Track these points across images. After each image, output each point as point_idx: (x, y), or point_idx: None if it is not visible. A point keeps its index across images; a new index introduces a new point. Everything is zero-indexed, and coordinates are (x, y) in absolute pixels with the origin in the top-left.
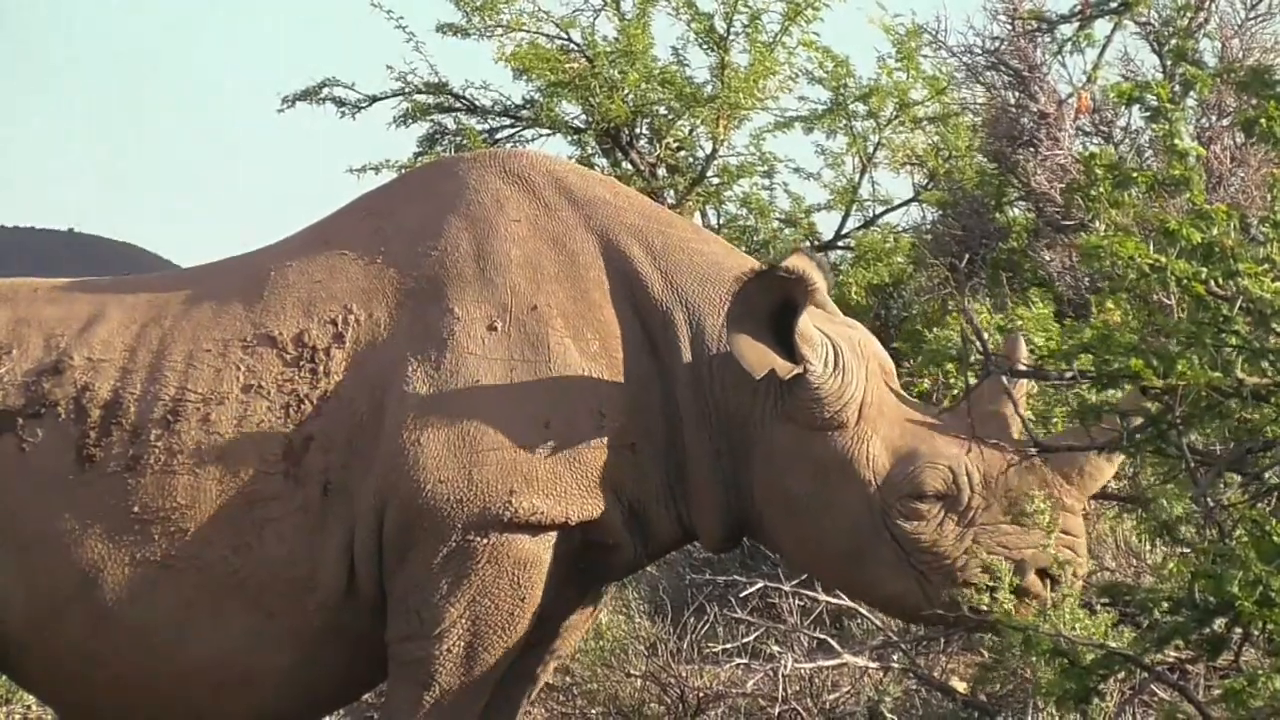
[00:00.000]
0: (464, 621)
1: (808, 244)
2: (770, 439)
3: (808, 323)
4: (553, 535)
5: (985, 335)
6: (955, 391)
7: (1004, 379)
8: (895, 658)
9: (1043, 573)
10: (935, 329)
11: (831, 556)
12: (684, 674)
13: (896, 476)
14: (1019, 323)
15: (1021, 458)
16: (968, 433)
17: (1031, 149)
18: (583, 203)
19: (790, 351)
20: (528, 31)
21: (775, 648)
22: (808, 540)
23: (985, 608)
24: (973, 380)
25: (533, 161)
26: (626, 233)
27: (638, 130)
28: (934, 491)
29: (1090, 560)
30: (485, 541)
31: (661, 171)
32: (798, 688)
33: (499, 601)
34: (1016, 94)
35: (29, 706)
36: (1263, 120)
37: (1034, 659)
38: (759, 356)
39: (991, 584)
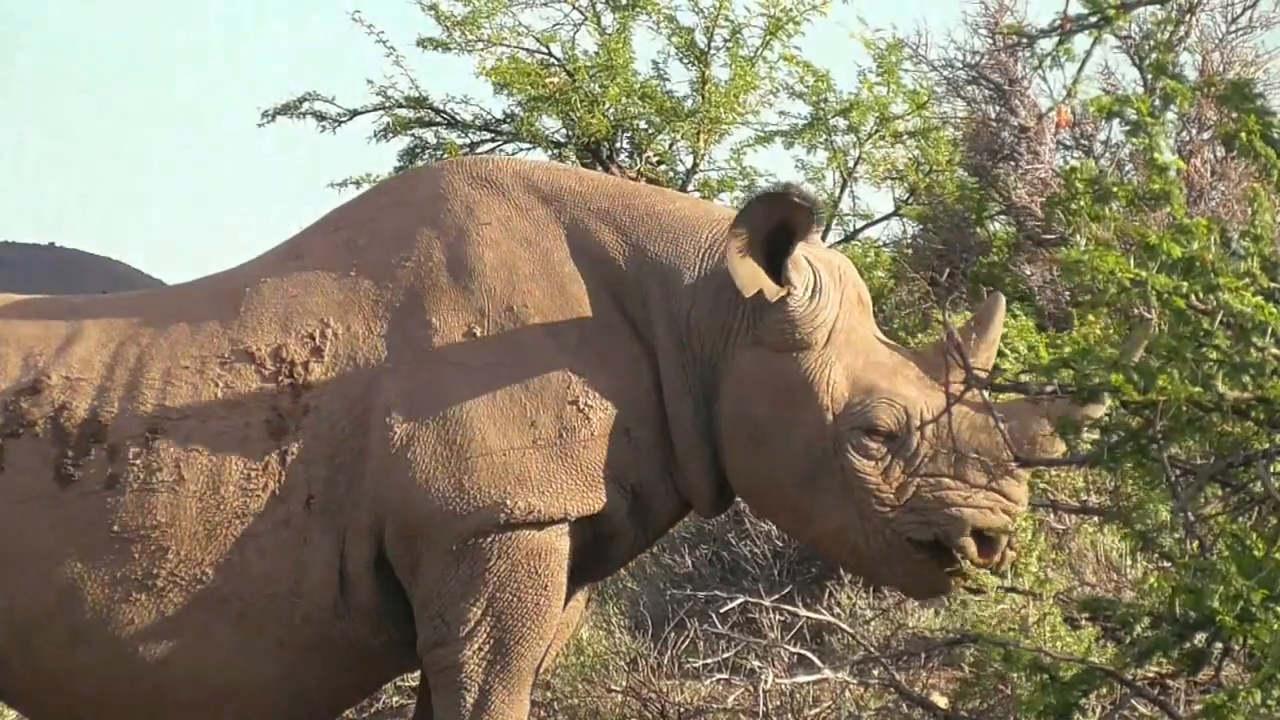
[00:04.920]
0: (488, 619)
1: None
2: (738, 367)
3: (800, 249)
4: (562, 526)
5: (966, 348)
6: None
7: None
8: (875, 673)
9: (978, 535)
10: (920, 335)
11: (784, 482)
12: (665, 689)
13: (853, 407)
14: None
15: (1004, 469)
16: (939, 379)
17: (1012, 163)
18: (551, 197)
19: (778, 276)
20: (508, 46)
21: (756, 663)
22: (765, 467)
23: (920, 563)
24: (955, 391)
25: (499, 164)
26: (595, 219)
27: (618, 144)
28: (885, 429)
29: (1071, 575)
30: (491, 541)
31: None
32: (778, 703)
33: (520, 593)
34: (997, 108)
35: None
36: (1243, 134)
37: (1015, 674)
38: (751, 275)
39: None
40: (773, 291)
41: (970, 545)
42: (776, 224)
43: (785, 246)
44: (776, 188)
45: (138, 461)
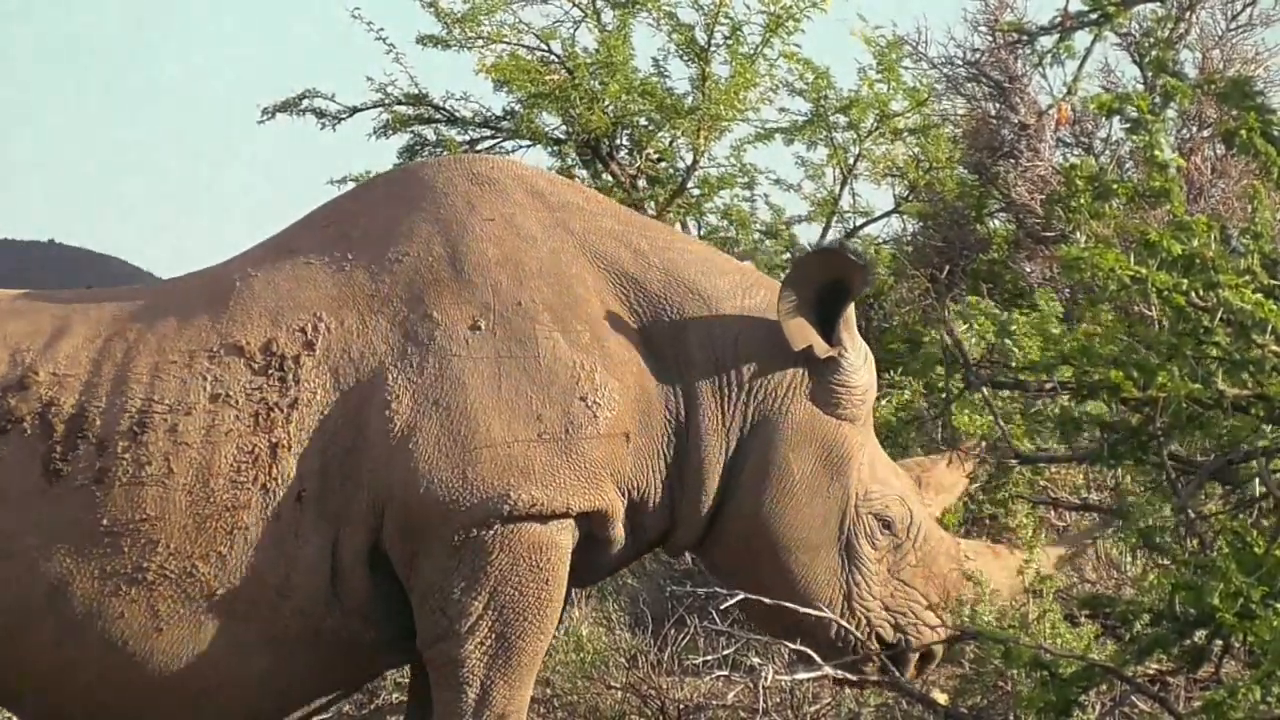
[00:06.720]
0: (490, 613)
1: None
2: (788, 412)
3: (854, 311)
4: (563, 521)
5: (965, 346)
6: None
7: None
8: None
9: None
10: (931, 331)
11: (793, 541)
12: (664, 686)
13: (871, 493)
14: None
15: (1003, 470)
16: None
17: (1012, 160)
18: (556, 206)
19: (829, 333)
20: (508, 43)
21: (755, 660)
22: (778, 517)
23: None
24: (955, 388)
25: (499, 164)
26: (606, 236)
27: (618, 141)
28: (891, 522)
29: (1071, 572)
30: (493, 533)
31: (642, 183)
32: (778, 699)
33: (522, 587)
34: (997, 105)
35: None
36: (1243, 131)
37: (1015, 671)
38: (800, 330)
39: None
40: (822, 349)
41: (914, 659)
42: (831, 280)
43: (838, 304)
44: (833, 244)
45: (126, 455)
